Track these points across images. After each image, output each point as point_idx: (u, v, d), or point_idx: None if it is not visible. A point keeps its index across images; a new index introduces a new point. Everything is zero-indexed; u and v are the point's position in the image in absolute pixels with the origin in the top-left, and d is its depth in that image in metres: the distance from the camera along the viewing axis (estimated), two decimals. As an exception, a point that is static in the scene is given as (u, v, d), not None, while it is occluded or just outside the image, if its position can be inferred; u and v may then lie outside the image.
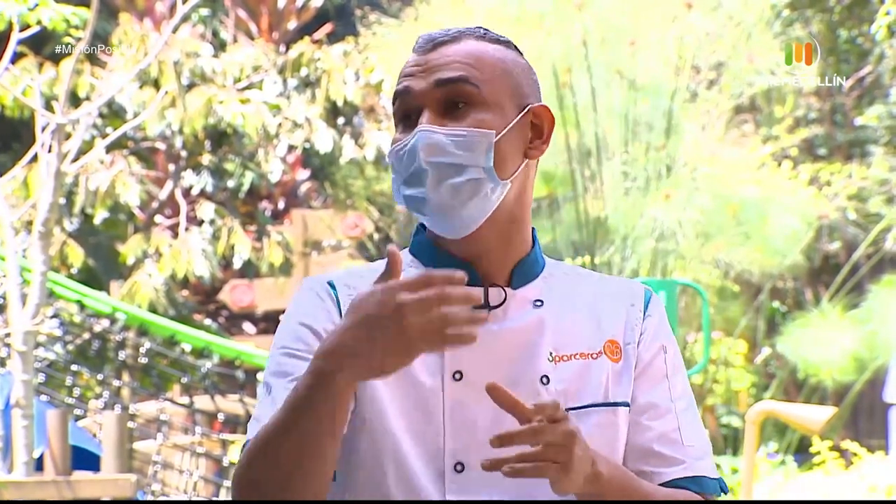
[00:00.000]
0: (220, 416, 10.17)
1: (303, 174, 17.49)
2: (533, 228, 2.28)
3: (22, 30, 7.77)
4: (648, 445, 2.22)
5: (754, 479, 10.16)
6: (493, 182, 2.17)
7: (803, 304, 16.14)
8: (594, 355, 2.22)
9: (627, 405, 2.22)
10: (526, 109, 2.22)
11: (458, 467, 2.14)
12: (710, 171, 13.43)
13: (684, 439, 2.24)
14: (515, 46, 2.27)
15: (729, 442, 14.76)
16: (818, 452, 12.00)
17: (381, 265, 2.22)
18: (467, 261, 2.21)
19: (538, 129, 2.24)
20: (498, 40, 2.25)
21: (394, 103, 2.23)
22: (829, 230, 16.12)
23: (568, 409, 2.15)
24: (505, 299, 2.20)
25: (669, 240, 12.77)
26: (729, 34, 13.58)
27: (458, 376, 2.16)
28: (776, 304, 16.81)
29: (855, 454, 12.31)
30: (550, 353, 2.19)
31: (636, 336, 2.25)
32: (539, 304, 2.22)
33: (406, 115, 2.20)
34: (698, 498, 2.22)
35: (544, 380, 2.17)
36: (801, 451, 14.14)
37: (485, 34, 2.24)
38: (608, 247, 12.92)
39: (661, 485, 2.22)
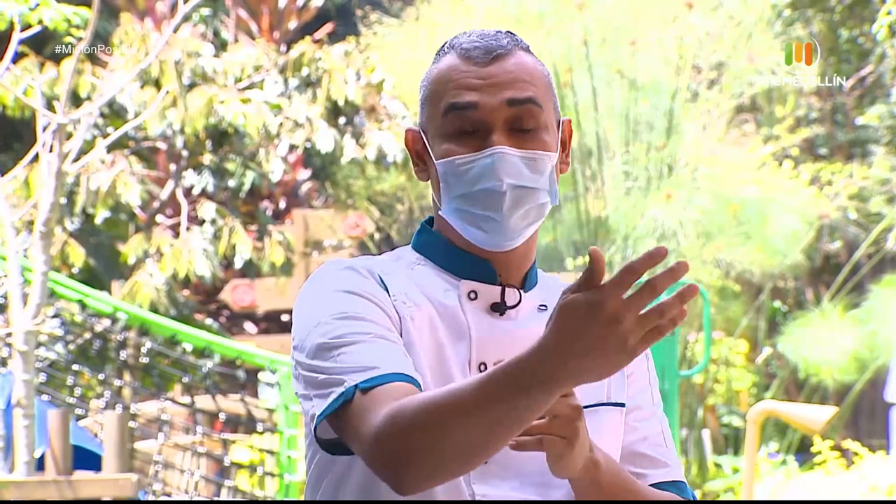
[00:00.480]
0: (222, 416, 10.17)
1: (304, 174, 17.49)
2: None
3: (23, 29, 7.77)
4: (635, 446, 2.25)
5: (755, 479, 10.17)
6: (552, 203, 2.21)
7: (804, 304, 16.14)
8: None
9: (624, 406, 2.26)
10: (559, 126, 2.24)
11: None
12: (710, 170, 13.44)
13: (667, 443, 2.28)
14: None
15: (730, 442, 14.77)
16: (819, 452, 12.01)
17: (392, 259, 2.24)
18: (486, 259, 2.22)
19: (563, 142, 2.26)
20: (529, 50, 2.25)
21: (445, 112, 2.18)
22: (829, 230, 16.11)
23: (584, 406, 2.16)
24: (520, 301, 2.22)
25: (670, 240, 12.77)
26: (729, 34, 13.59)
27: (482, 368, 2.16)
28: (777, 303, 16.81)
29: (856, 454, 12.31)
30: None
31: None
32: (543, 308, 2.24)
33: (466, 129, 2.17)
34: (680, 499, 2.25)
35: None
36: (802, 451, 14.15)
37: (520, 43, 2.23)
38: (609, 246, 12.92)
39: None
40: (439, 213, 2.24)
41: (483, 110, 2.16)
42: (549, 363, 1.85)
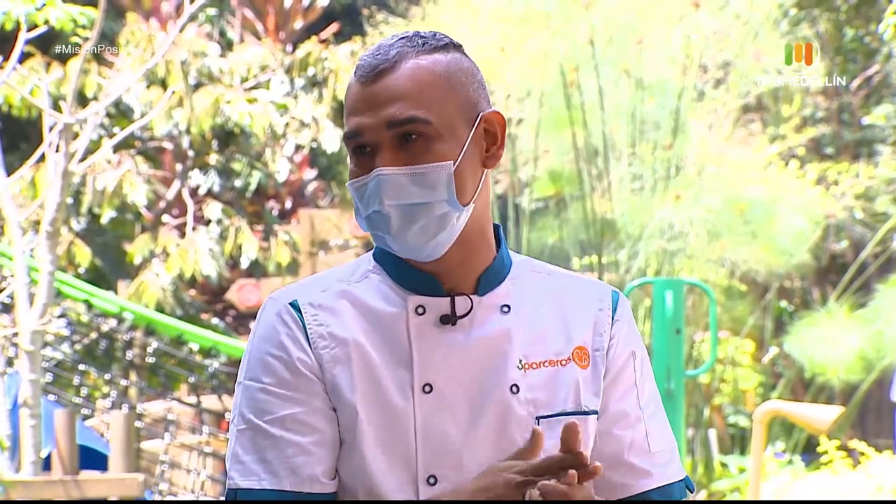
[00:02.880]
0: (228, 416, 10.17)
1: (310, 174, 17.49)
2: (497, 227, 2.26)
3: (29, 29, 7.78)
4: (619, 456, 2.23)
5: (762, 479, 10.16)
6: (458, 210, 2.16)
7: (810, 304, 16.13)
8: (563, 362, 2.21)
9: (596, 413, 2.22)
10: (477, 121, 2.19)
11: (431, 480, 2.14)
12: (716, 170, 13.42)
13: (652, 446, 2.25)
14: (456, 45, 2.22)
15: (736, 441, 14.76)
16: (825, 452, 11.99)
17: (340, 271, 2.24)
18: (431, 273, 2.19)
19: (492, 134, 2.21)
20: (438, 47, 2.19)
21: (346, 139, 2.19)
22: (836, 229, 16.11)
23: (539, 418, 2.16)
24: (471, 308, 2.18)
25: (678, 240, 12.77)
26: (736, 33, 13.57)
27: (427, 389, 2.15)
28: (783, 303, 16.80)
29: (862, 454, 12.30)
30: (520, 361, 2.18)
31: (605, 342, 2.24)
32: (506, 309, 2.20)
33: (359, 148, 2.16)
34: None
35: (514, 388, 2.16)
36: (809, 451, 14.13)
37: (424, 44, 2.18)
38: (616, 246, 12.92)
39: (630, 497, 2.24)
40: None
41: (367, 134, 2.15)
42: None
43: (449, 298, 2.18)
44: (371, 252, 2.28)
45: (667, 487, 2.25)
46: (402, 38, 2.19)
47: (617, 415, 2.23)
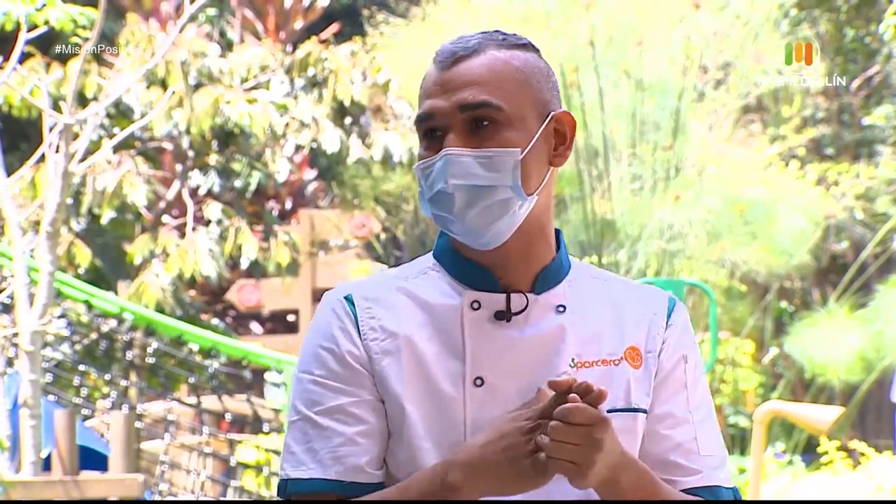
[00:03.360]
0: (228, 416, 10.18)
1: (310, 174, 17.49)
2: (558, 231, 2.29)
3: (29, 30, 7.78)
4: (665, 455, 2.23)
5: (762, 479, 10.16)
6: (521, 199, 2.19)
7: (810, 304, 16.13)
8: (615, 361, 2.23)
9: (646, 412, 2.23)
10: (549, 118, 2.23)
11: None
12: (717, 170, 13.43)
13: (701, 449, 2.25)
14: (534, 47, 2.26)
15: (736, 442, 14.76)
16: (826, 452, 11.99)
17: (398, 269, 2.28)
18: (489, 268, 2.22)
19: (561, 134, 2.25)
20: (517, 45, 2.24)
21: (418, 121, 2.22)
22: (836, 230, 16.10)
23: None
24: (527, 305, 2.21)
25: (678, 240, 12.76)
26: (736, 34, 13.57)
27: (479, 382, 2.18)
28: (783, 304, 16.80)
29: (862, 454, 12.30)
30: (572, 360, 2.20)
31: (658, 345, 2.26)
32: (562, 309, 2.23)
33: (430, 132, 2.20)
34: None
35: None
36: (809, 451, 14.13)
37: (504, 40, 2.23)
38: (616, 247, 12.91)
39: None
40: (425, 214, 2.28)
41: (438, 116, 2.19)
42: (459, 472, 2.07)
43: (504, 295, 2.21)
44: (431, 252, 2.31)
45: (716, 489, 2.25)
46: (483, 33, 2.24)
47: (664, 415, 2.24)
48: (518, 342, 2.19)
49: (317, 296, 15.20)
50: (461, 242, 2.23)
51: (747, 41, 13.55)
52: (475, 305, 2.20)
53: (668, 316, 2.28)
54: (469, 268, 2.23)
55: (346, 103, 13.65)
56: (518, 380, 2.17)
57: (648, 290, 2.31)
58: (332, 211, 15.98)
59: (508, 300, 2.21)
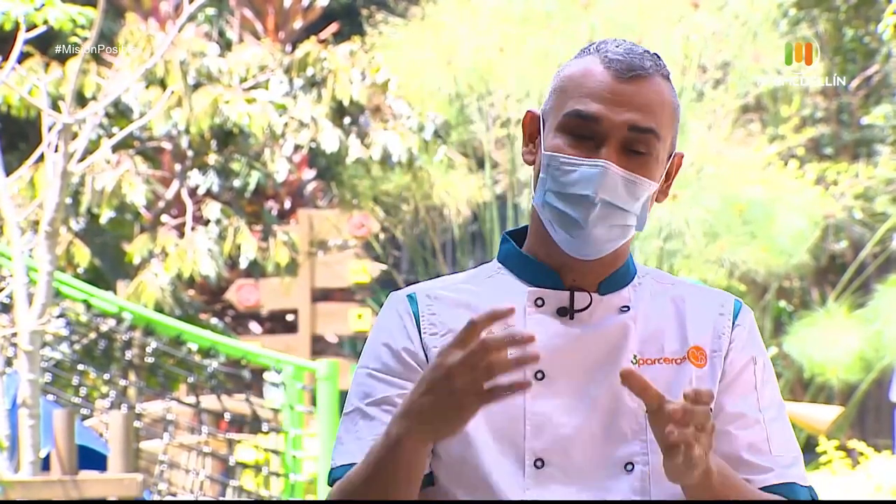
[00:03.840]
0: (227, 416, 10.18)
1: (309, 174, 17.49)
2: None
3: (28, 29, 7.77)
4: (737, 454, 2.24)
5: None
6: (638, 229, 2.25)
7: (809, 304, 16.13)
8: (678, 360, 2.25)
9: (710, 410, 2.23)
10: (671, 158, 2.28)
11: (538, 463, 2.18)
12: (716, 170, 13.43)
13: (773, 449, 2.26)
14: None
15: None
16: (825, 452, 11.99)
17: (465, 274, 2.33)
18: (556, 270, 2.26)
19: (669, 173, 2.30)
20: (668, 76, 2.28)
21: (569, 113, 2.22)
22: (835, 229, 16.11)
23: None
24: (590, 304, 2.24)
25: (676, 239, 12.76)
26: (735, 33, 13.58)
27: (539, 376, 2.20)
28: (782, 303, 16.80)
29: (861, 454, 12.30)
30: (634, 357, 2.23)
31: (724, 345, 2.28)
32: (626, 309, 2.25)
33: (583, 133, 2.21)
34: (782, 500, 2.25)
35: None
36: (808, 451, 14.12)
37: (662, 68, 2.27)
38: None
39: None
40: (536, 202, 2.28)
41: (604, 124, 2.20)
42: (397, 423, 2.05)
43: (568, 292, 2.24)
44: (496, 258, 2.34)
45: (791, 486, 2.25)
46: (647, 52, 2.26)
47: (734, 416, 2.25)
48: (580, 339, 2.22)
49: (316, 296, 15.20)
50: (531, 246, 2.28)
51: (746, 41, 13.55)
52: (539, 302, 2.24)
53: (735, 317, 2.30)
54: (536, 269, 2.27)
55: (345, 103, 13.64)
56: (578, 375, 2.20)
57: (714, 291, 2.34)
58: (330, 211, 15.96)
59: (572, 298, 2.24)
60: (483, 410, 2.10)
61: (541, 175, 2.24)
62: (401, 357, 2.23)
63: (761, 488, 2.24)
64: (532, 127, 2.30)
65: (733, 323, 2.29)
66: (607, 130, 2.20)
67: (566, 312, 2.23)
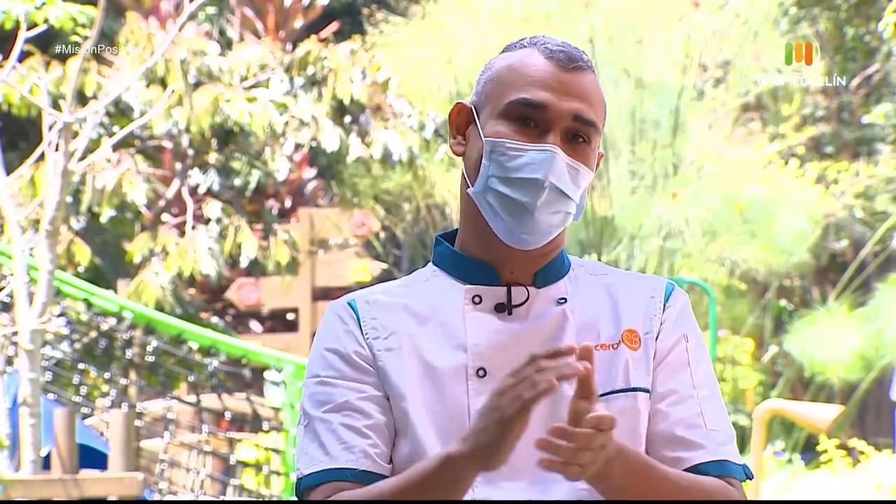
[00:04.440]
0: (227, 415, 10.18)
1: (309, 173, 17.49)
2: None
3: (29, 28, 7.77)
4: (670, 430, 2.25)
5: (761, 478, 10.16)
6: (576, 217, 2.28)
7: (810, 303, 16.13)
8: (614, 346, 2.26)
9: (647, 391, 2.26)
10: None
11: None
12: (716, 169, 13.43)
13: (707, 424, 2.26)
14: None
15: (736, 440, 14.77)
16: (825, 451, 12.00)
17: (402, 279, 2.35)
18: (492, 264, 2.27)
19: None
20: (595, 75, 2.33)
21: (514, 101, 2.25)
22: (835, 228, 16.11)
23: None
24: (528, 298, 2.25)
25: (676, 238, 12.77)
26: (736, 32, 13.58)
27: (481, 373, 2.22)
28: (783, 302, 16.80)
29: (862, 452, 12.30)
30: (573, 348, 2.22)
31: (655, 326, 2.29)
32: (563, 301, 2.27)
33: (528, 119, 2.24)
34: (719, 484, 2.24)
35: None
36: (808, 450, 14.14)
37: (592, 64, 2.31)
38: (615, 245, 12.92)
39: (685, 470, 2.23)
40: (467, 191, 2.28)
41: (550, 112, 2.23)
42: (461, 446, 2.07)
43: (505, 288, 2.26)
44: (429, 262, 2.37)
45: (724, 463, 2.26)
46: (579, 48, 2.31)
47: (666, 393, 2.26)
48: (519, 333, 2.23)
49: (316, 294, 15.20)
50: (465, 243, 2.29)
51: (747, 40, 13.55)
52: (476, 299, 2.25)
53: (666, 298, 2.31)
54: (471, 266, 2.28)
55: (346, 102, 13.65)
56: None
57: (646, 277, 2.36)
58: (331, 209, 15.97)
59: (510, 293, 2.25)
60: (428, 412, 2.19)
61: (483, 162, 2.25)
62: (352, 360, 2.25)
63: (695, 465, 2.23)
64: (461, 118, 2.31)
65: (664, 305, 2.31)
66: (553, 118, 2.22)
67: (504, 308, 2.24)
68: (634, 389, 2.24)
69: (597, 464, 2.03)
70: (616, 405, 2.21)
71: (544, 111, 2.23)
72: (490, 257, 2.26)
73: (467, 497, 2.16)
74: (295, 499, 2.23)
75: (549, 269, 2.29)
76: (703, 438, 2.25)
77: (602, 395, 2.18)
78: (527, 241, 2.23)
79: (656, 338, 2.28)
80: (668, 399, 2.25)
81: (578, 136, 2.24)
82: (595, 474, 2.07)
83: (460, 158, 2.33)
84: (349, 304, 2.29)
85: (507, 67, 2.27)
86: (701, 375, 2.29)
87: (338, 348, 2.26)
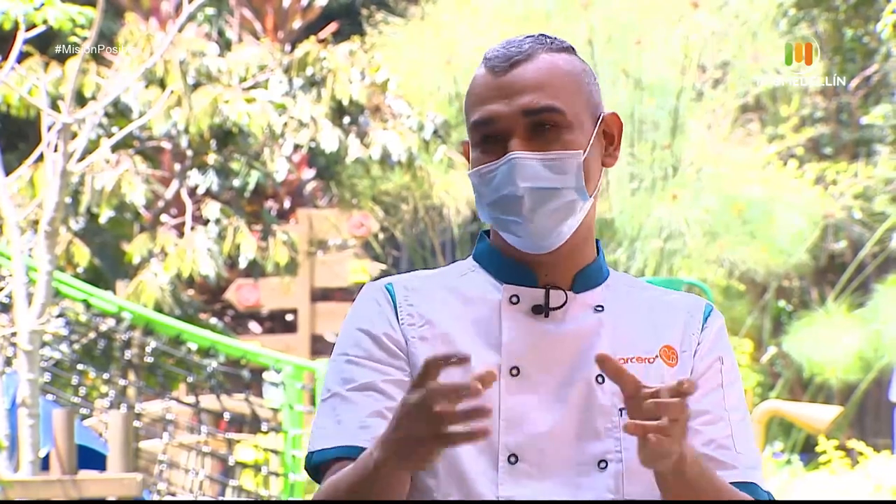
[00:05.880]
0: (226, 416, 10.18)
1: (308, 173, 17.49)
2: (597, 240, 2.33)
3: (28, 29, 7.77)
4: (701, 450, 2.24)
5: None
6: (584, 200, 2.24)
7: (809, 304, 16.13)
8: (650, 360, 2.26)
9: (685, 402, 2.23)
10: (600, 119, 2.28)
11: (512, 459, 2.19)
12: (715, 170, 13.43)
13: (737, 447, 2.26)
14: (574, 50, 2.31)
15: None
16: (824, 451, 12.00)
17: (440, 270, 2.33)
18: (531, 266, 2.27)
19: (609, 135, 2.30)
20: (562, 48, 2.28)
21: (472, 126, 2.25)
22: (834, 229, 16.11)
23: (622, 409, 2.19)
24: (565, 302, 2.25)
25: (676, 239, 12.77)
26: (735, 33, 13.58)
27: (514, 372, 2.21)
28: (782, 303, 16.81)
29: (861, 453, 12.30)
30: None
31: (693, 345, 2.29)
32: (600, 308, 2.26)
33: (488, 137, 2.23)
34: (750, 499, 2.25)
35: (599, 379, 2.21)
36: (807, 451, 14.14)
37: (551, 44, 2.27)
38: (615, 247, 12.92)
39: None
40: (483, 220, 2.30)
41: (501, 121, 2.21)
42: (376, 449, 2.04)
43: (544, 290, 2.25)
44: (469, 256, 2.35)
45: (752, 486, 2.25)
46: (529, 37, 2.28)
47: (699, 412, 2.24)
48: (554, 336, 2.23)
49: (315, 295, 15.20)
50: (503, 243, 2.28)
51: (746, 40, 13.56)
52: (514, 299, 2.25)
53: (705, 319, 2.32)
54: (510, 266, 2.27)
55: (345, 103, 13.64)
56: (553, 372, 2.21)
57: (685, 295, 2.36)
58: (330, 210, 15.97)
59: (547, 295, 2.24)
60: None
61: (475, 195, 2.27)
62: (382, 342, 2.23)
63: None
64: (468, 156, 2.32)
65: (703, 325, 2.31)
66: (505, 126, 2.21)
67: (541, 310, 2.24)
68: None
69: (684, 441, 2.03)
70: None
71: (495, 123, 2.21)
72: (530, 260, 2.26)
73: (492, 497, 2.17)
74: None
75: (587, 274, 2.28)
76: (732, 460, 2.25)
77: None
78: (542, 246, 2.23)
79: (693, 355, 2.29)
80: (700, 418, 2.25)
81: (540, 125, 2.21)
82: (676, 465, 2.07)
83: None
84: (387, 287, 2.28)
85: (467, 95, 2.28)
86: (733, 399, 2.30)
87: (369, 329, 2.25)
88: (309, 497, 10.06)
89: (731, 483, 2.23)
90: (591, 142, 2.24)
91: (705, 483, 2.15)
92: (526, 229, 2.21)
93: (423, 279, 2.31)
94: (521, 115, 2.20)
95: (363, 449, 2.15)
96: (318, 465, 2.22)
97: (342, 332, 2.29)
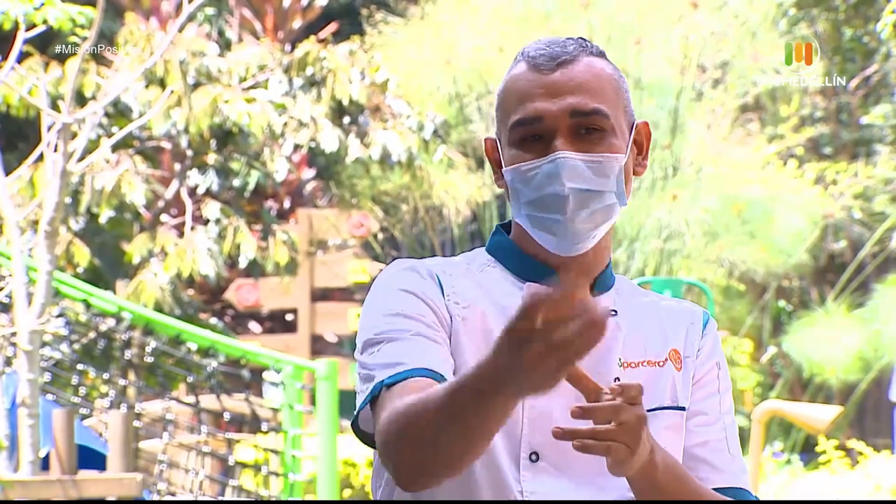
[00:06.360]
0: (226, 416, 10.17)
1: (308, 173, 17.49)
2: None
3: (28, 29, 7.77)
4: (694, 450, 2.29)
5: (760, 479, 10.17)
6: (621, 204, 2.25)
7: (809, 304, 16.13)
8: (660, 363, 2.29)
9: (685, 409, 2.30)
10: (634, 126, 2.28)
11: (533, 457, 2.20)
12: (715, 170, 13.44)
13: (730, 450, 2.32)
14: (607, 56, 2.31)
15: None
16: (824, 452, 12.00)
17: (458, 258, 2.30)
18: (554, 267, 2.27)
19: (639, 144, 2.30)
20: (601, 53, 2.29)
21: (513, 124, 2.23)
22: (834, 229, 16.11)
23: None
24: None
25: (676, 239, 12.77)
26: (734, 33, 13.59)
27: None
28: (782, 303, 16.81)
29: (861, 453, 12.31)
30: (619, 360, 2.26)
31: (695, 350, 2.33)
32: (614, 313, 2.28)
33: (531, 136, 2.22)
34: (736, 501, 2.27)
35: (617, 381, 2.23)
36: (807, 451, 14.14)
37: (591, 48, 2.27)
38: (615, 247, 12.91)
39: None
40: (516, 219, 2.29)
41: (547, 120, 2.21)
42: (484, 380, 1.89)
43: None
44: (483, 248, 2.34)
45: (741, 491, 2.29)
46: (569, 39, 2.27)
47: (696, 413, 2.30)
48: None
49: (315, 295, 15.21)
50: (526, 240, 2.26)
51: (745, 40, 13.56)
52: None
53: (704, 326, 2.35)
54: (531, 265, 2.27)
55: (345, 102, 13.65)
56: None
57: (684, 303, 2.40)
58: (330, 210, 15.98)
59: None
60: None
61: (511, 192, 2.25)
62: (432, 305, 2.19)
63: (713, 488, 2.26)
64: (494, 153, 2.30)
65: (703, 332, 2.35)
66: (551, 125, 2.20)
67: None
68: (681, 408, 2.28)
69: (642, 449, 2.02)
70: (665, 421, 2.26)
71: (541, 122, 2.21)
72: (553, 261, 2.26)
73: (517, 490, 2.18)
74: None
75: (603, 279, 2.30)
76: (725, 463, 2.29)
77: (650, 410, 2.20)
78: (577, 248, 2.23)
79: (694, 360, 2.33)
80: (696, 419, 2.29)
81: (586, 128, 2.21)
82: (639, 475, 2.07)
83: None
84: (426, 266, 2.24)
85: (504, 91, 2.27)
86: (726, 405, 2.35)
87: (416, 292, 2.20)
88: (309, 497, 10.06)
89: (722, 487, 2.27)
90: (629, 148, 2.25)
91: (676, 485, 2.15)
92: (565, 229, 2.20)
93: (452, 265, 2.28)
94: (568, 116, 2.20)
95: (430, 371, 2.10)
96: (375, 399, 2.11)
97: (376, 295, 2.22)
